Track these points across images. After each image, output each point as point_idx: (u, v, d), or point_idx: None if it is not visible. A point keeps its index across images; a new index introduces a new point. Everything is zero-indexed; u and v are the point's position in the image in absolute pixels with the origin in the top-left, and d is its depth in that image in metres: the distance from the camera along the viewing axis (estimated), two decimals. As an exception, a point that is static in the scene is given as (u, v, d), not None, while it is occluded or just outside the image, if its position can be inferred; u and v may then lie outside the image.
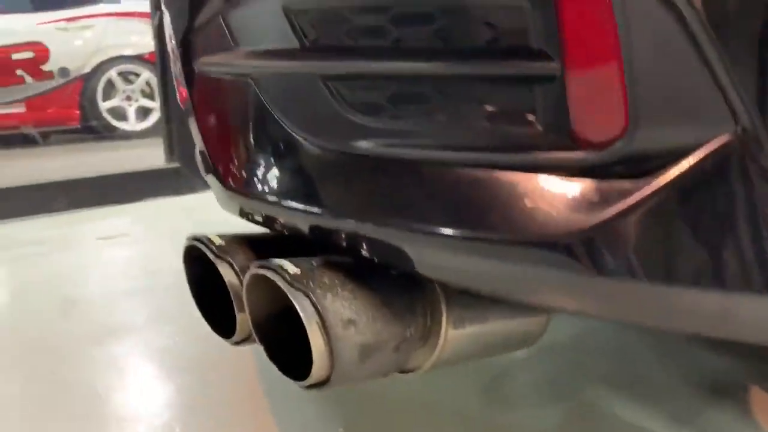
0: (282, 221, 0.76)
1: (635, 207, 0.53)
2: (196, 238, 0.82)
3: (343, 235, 0.69)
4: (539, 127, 0.57)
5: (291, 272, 0.68)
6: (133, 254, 2.32)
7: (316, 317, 0.66)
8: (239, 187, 0.79)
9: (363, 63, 0.64)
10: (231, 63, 0.76)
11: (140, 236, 2.53)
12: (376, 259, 0.68)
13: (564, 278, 0.56)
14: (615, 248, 0.54)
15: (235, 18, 0.74)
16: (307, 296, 0.67)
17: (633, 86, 0.51)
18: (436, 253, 0.62)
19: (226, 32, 0.73)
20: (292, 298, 0.67)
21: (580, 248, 0.54)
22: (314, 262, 0.72)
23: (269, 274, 0.69)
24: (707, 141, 0.51)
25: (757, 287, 0.52)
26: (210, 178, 0.86)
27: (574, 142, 0.55)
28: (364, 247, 0.68)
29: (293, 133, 0.71)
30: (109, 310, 1.72)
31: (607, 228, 0.54)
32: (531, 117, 0.57)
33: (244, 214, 0.84)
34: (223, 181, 0.82)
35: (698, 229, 0.53)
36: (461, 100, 0.61)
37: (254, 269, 0.72)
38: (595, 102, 0.54)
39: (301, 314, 0.66)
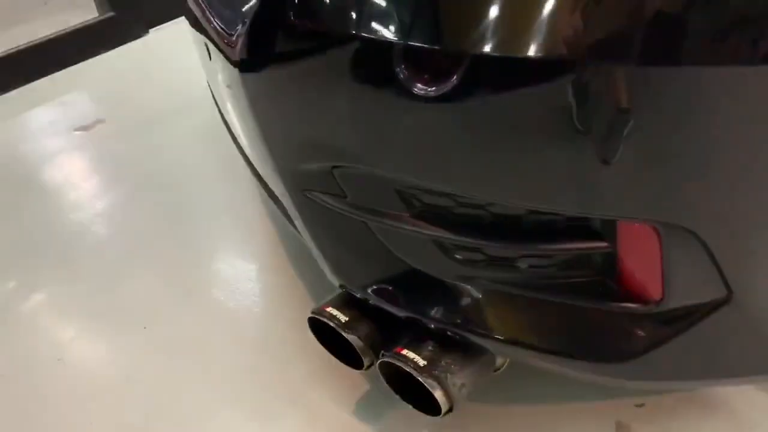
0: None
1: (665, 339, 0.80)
2: (319, 313, 0.99)
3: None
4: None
5: (421, 364, 0.88)
6: (136, 149, 1.90)
7: (440, 390, 0.88)
8: None
9: (465, 238, 0.83)
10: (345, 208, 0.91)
11: (119, 121, 2.09)
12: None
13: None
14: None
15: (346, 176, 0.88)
16: (435, 379, 0.87)
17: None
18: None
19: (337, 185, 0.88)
20: (424, 383, 0.87)
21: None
22: (430, 347, 0.91)
23: (402, 365, 0.88)
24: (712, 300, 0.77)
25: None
26: None
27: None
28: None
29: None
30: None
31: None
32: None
33: None
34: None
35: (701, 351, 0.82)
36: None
37: (388, 359, 0.90)
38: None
39: (431, 391, 0.87)
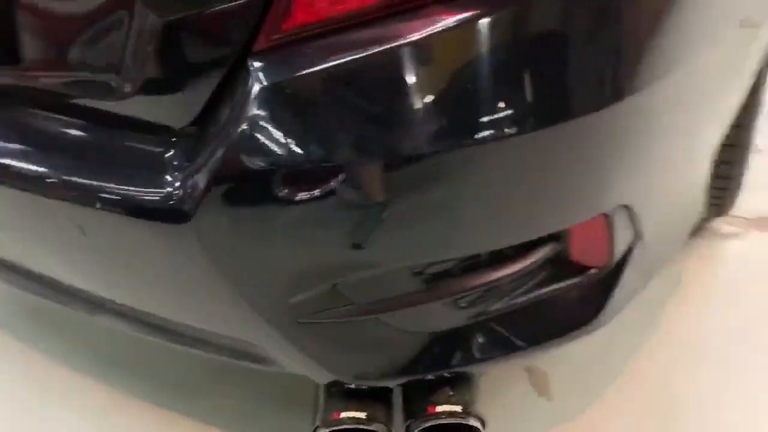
0: None
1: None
2: (337, 422, 0.95)
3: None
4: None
5: (460, 411, 0.95)
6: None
7: (481, 421, 0.96)
8: None
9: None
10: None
11: None
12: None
13: None
14: None
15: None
16: (476, 415, 0.95)
17: None
18: None
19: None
20: (473, 424, 0.94)
21: None
22: (449, 392, 0.98)
23: (449, 420, 0.94)
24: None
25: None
26: None
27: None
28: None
29: None
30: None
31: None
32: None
33: None
34: None
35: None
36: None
37: (430, 423, 0.94)
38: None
39: (479, 426, 0.95)
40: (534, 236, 0.89)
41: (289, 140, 0.73)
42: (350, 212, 0.76)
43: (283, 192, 0.74)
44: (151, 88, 0.79)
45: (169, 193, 0.78)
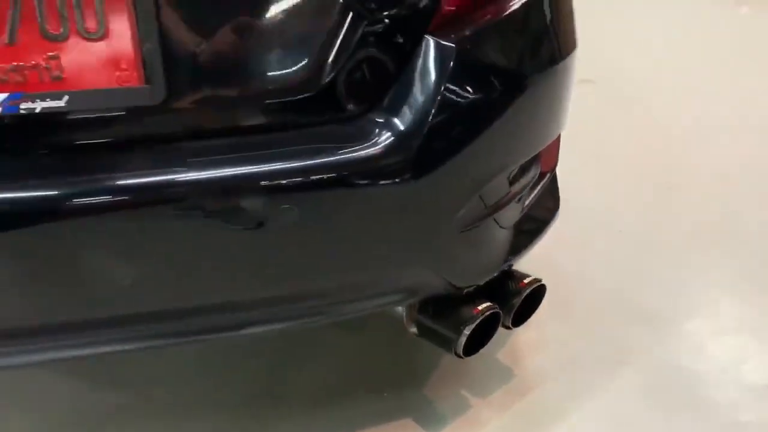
0: None
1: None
2: (482, 312, 1.24)
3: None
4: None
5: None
6: None
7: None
8: None
9: None
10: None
11: None
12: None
13: None
14: None
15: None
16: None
17: None
18: None
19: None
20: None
21: None
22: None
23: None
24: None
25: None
26: None
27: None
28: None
29: None
30: None
31: None
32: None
33: None
34: None
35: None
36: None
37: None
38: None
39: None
40: (537, 151, 1.35)
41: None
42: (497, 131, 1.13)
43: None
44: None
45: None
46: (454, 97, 1.06)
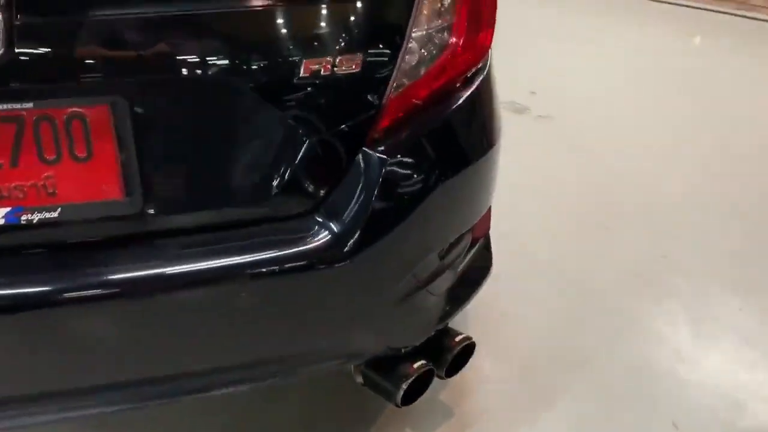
0: None
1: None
2: (416, 369, 1.44)
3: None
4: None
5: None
6: None
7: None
8: None
9: None
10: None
11: None
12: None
13: None
14: None
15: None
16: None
17: None
18: None
19: None
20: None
21: None
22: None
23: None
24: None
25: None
26: None
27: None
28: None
29: None
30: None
31: None
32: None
33: None
34: None
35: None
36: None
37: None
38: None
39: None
40: (467, 229, 1.55)
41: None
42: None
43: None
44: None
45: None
46: (385, 200, 1.26)
